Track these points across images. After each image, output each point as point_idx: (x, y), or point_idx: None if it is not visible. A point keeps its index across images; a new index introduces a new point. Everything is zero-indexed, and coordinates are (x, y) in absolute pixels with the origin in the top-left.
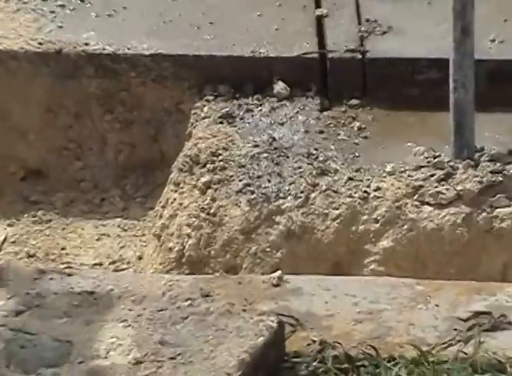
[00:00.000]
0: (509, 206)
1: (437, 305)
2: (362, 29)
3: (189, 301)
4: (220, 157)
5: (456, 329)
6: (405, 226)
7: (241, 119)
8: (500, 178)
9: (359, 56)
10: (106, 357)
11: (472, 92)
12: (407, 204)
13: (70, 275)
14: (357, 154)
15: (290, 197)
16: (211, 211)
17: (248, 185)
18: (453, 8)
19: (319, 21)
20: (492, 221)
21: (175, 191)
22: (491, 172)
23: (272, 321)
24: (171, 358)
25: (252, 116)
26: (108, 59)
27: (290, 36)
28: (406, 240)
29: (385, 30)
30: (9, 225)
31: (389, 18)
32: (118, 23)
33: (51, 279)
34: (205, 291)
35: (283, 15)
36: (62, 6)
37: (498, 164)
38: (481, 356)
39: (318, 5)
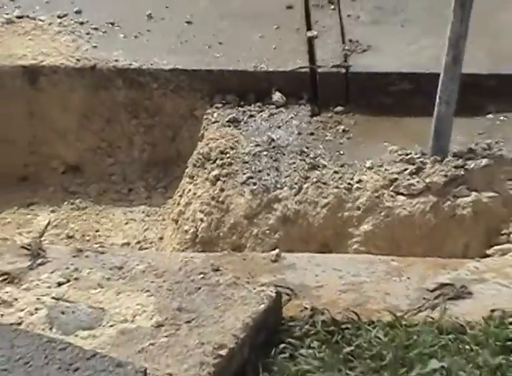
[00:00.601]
0: (469, 196)
1: (408, 278)
2: (346, 48)
3: (202, 275)
4: (227, 155)
5: (424, 298)
6: (383, 213)
7: (245, 123)
8: (462, 173)
9: (343, 71)
10: (132, 321)
11: (453, 107)
12: (384, 194)
13: (102, 253)
14: (342, 152)
15: (285, 188)
16: (220, 199)
17: (251, 177)
18: (448, 38)
19: (310, 41)
20: (455, 208)
21: (190, 183)
22: (454, 167)
23: (271, 291)
24: (187, 322)
25: (254, 120)
26: (134, 73)
27: (285, 54)
28: (383, 224)
29: (365, 49)
30: (51, 211)
31: (368, 38)
32: (143, 43)
33: (86, 256)
34: (215, 266)
35: (280, 36)
36: (96, 29)
37: (460, 161)
38: (445, 321)
39: (309, 28)
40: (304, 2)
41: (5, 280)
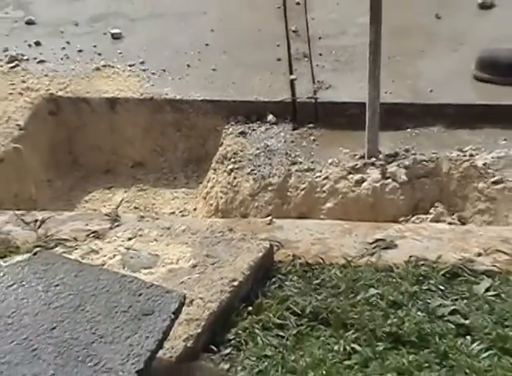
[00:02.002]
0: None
1: (356, 235)
2: (315, 86)
3: (221, 233)
4: (238, 155)
5: (366, 248)
6: (340, 195)
7: (249, 135)
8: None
9: (313, 101)
10: (176, 263)
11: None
12: (341, 182)
13: (157, 218)
14: (312, 154)
15: (276, 177)
16: (233, 184)
17: (253, 170)
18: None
19: (292, 82)
20: (385, 193)
21: (214, 173)
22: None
23: (267, 244)
24: (212, 264)
25: (255, 133)
26: (178, 102)
27: (276, 90)
28: (340, 203)
29: (327, 87)
30: (124, 191)
31: (330, 80)
32: (184, 82)
33: (147, 220)
34: (230, 227)
35: (272, 78)
36: (153, 73)
37: (389, 160)
38: (380, 263)
39: (291, 73)
40: (288, 57)
41: (94, 236)
